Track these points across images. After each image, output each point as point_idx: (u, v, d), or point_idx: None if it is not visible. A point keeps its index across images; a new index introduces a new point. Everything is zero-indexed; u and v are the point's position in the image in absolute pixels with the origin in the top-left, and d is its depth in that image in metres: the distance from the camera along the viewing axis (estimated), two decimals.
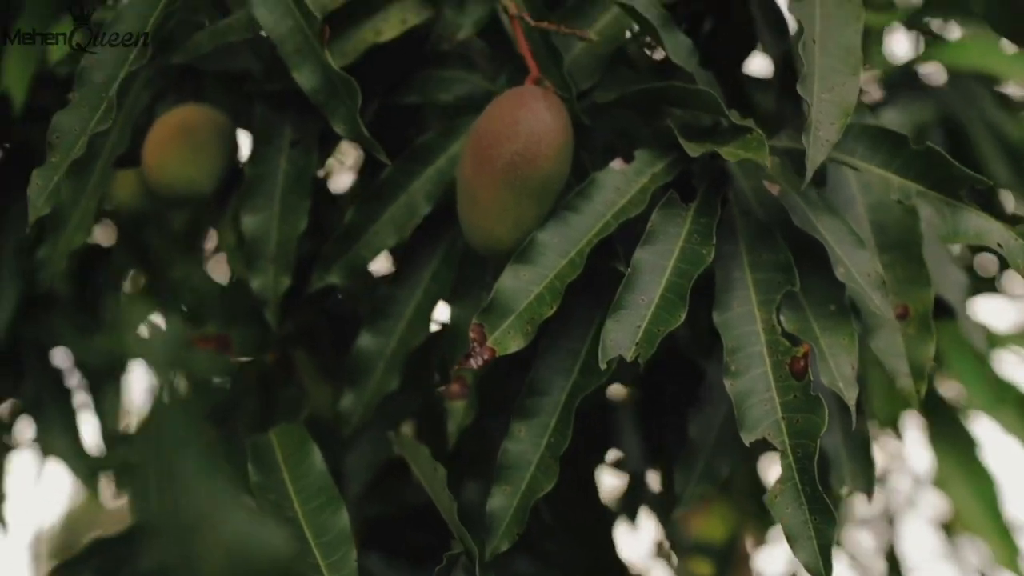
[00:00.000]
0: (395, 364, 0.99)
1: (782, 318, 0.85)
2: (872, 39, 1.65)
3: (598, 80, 0.95)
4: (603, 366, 0.79)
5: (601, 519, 1.17)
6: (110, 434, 1.51)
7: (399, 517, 1.12)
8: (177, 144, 1.01)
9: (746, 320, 0.85)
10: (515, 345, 0.82)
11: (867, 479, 0.96)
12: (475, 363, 0.83)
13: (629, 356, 0.79)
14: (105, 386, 1.51)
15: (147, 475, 0.61)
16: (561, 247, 0.85)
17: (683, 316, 0.81)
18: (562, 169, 0.86)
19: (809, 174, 0.80)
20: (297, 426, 0.95)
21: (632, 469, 1.40)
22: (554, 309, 0.82)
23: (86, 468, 1.52)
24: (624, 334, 0.80)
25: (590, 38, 0.87)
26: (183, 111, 1.04)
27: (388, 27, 0.98)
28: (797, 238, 0.87)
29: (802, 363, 0.82)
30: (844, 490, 0.99)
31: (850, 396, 0.82)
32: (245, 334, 1.19)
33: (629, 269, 0.82)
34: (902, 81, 1.59)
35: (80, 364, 1.54)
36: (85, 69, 0.87)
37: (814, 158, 0.80)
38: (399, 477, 1.13)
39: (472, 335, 0.83)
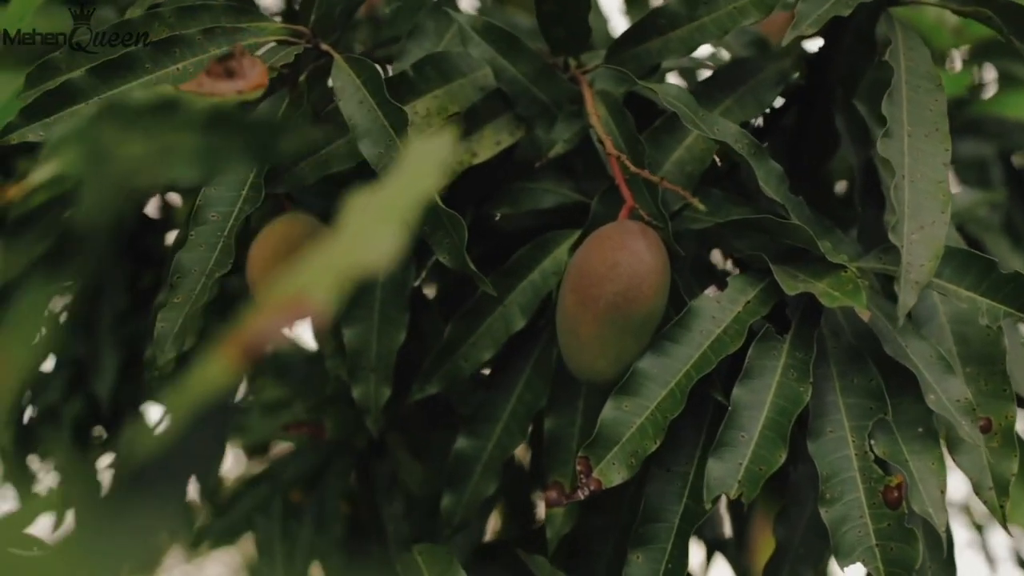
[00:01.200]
0: (492, 467, 1.03)
1: (872, 442, 0.89)
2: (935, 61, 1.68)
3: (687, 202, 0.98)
4: (708, 506, 0.83)
5: None
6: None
7: None
8: (279, 256, 1.05)
9: (839, 446, 0.89)
10: (619, 477, 0.86)
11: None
12: (582, 494, 0.87)
13: (732, 494, 0.84)
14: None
15: None
16: (662, 378, 0.88)
17: (783, 456, 0.85)
18: (661, 303, 0.90)
19: (901, 317, 0.83)
20: (442, 547, 0.96)
21: None
22: (657, 444, 0.87)
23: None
24: (727, 471, 0.85)
25: (695, 203, 0.90)
26: (282, 224, 1.07)
27: (483, 148, 1.01)
28: (887, 362, 0.91)
29: (896, 493, 0.86)
30: None
31: (940, 522, 0.86)
32: (337, 418, 1.24)
33: (730, 407, 0.86)
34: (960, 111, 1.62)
35: None
36: (200, 208, 0.91)
37: (905, 302, 0.84)
38: None
39: (579, 467, 0.87)
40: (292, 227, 1.07)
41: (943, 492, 0.88)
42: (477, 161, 1.01)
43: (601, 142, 0.96)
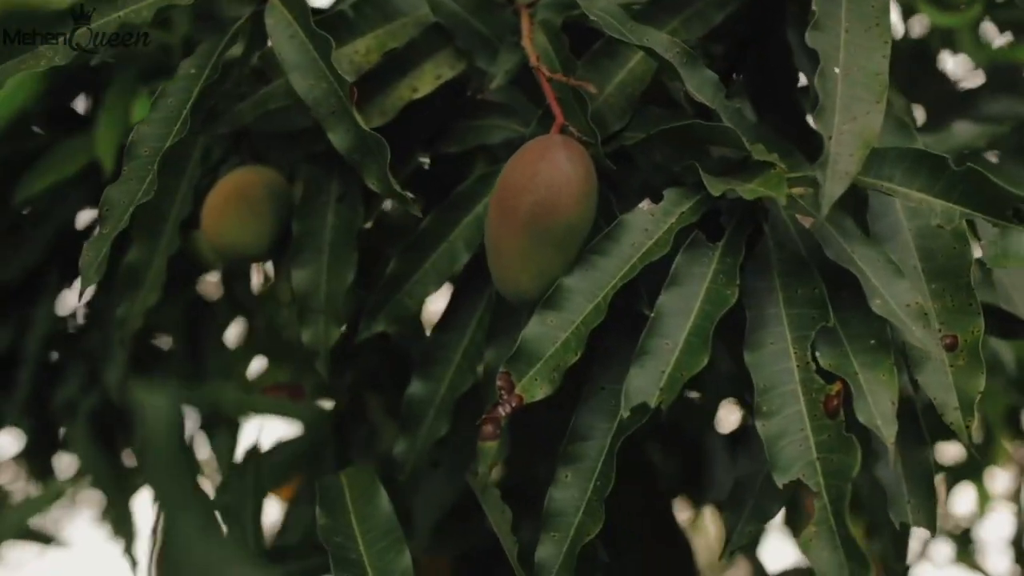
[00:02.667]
0: (444, 410, 1.00)
1: (818, 354, 0.84)
2: (966, 31, 1.61)
3: (628, 121, 0.95)
4: (625, 414, 0.79)
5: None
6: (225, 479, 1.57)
7: (465, 558, 1.14)
8: (232, 207, 1.06)
9: (780, 358, 0.84)
10: (542, 392, 0.83)
11: (929, 514, 0.92)
12: (503, 411, 0.84)
13: (653, 402, 0.79)
14: (218, 434, 1.58)
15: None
16: (589, 291, 0.85)
17: (706, 360, 0.80)
18: (585, 216, 0.87)
19: (824, 209, 0.78)
20: (366, 468, 0.97)
21: None
22: (579, 355, 0.83)
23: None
24: (648, 380, 0.80)
25: (590, 90, 0.87)
26: (238, 174, 1.08)
27: (423, 83, 1.00)
28: (835, 271, 0.85)
29: (835, 402, 0.80)
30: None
31: (888, 435, 0.79)
32: (317, 380, 1.23)
33: (652, 313, 0.82)
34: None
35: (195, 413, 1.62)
36: (133, 143, 0.92)
37: (831, 193, 0.78)
38: (465, 519, 1.15)
39: (500, 383, 0.84)
40: (246, 177, 1.08)
41: (894, 404, 0.81)
42: (418, 96, 1.00)
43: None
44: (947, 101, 1.57)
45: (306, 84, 0.93)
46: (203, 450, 1.63)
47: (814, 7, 0.85)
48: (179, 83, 0.95)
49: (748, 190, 0.81)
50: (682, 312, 0.82)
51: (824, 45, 0.84)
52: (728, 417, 1.75)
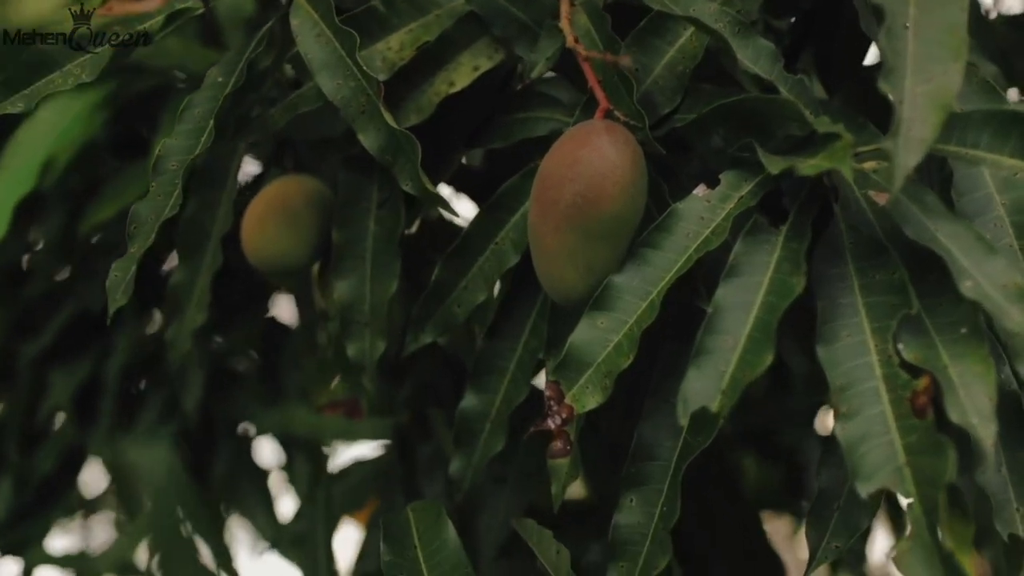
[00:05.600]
0: (500, 424, 0.94)
1: (901, 347, 0.74)
2: None
3: (680, 102, 0.87)
4: (683, 422, 0.71)
5: None
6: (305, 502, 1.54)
7: None
8: (272, 219, 1.02)
9: (858, 352, 0.74)
10: (594, 402, 0.76)
11: None
12: (553, 423, 0.77)
13: (714, 407, 0.71)
14: (298, 456, 1.55)
15: None
16: (641, 289, 0.77)
17: (771, 358, 0.71)
18: (634, 207, 0.79)
19: (898, 182, 0.68)
20: (433, 502, 0.92)
21: None
22: (631, 359, 0.75)
23: (275, 534, 1.56)
24: (708, 382, 0.72)
25: (627, 64, 0.80)
26: (277, 185, 1.04)
27: (460, 76, 0.94)
28: (917, 252, 0.76)
29: (924, 399, 0.71)
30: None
31: (986, 435, 0.69)
32: (375, 396, 1.18)
33: (711, 309, 0.74)
34: None
35: (275, 435, 1.59)
36: (160, 158, 0.89)
37: (905, 163, 0.69)
38: None
39: (548, 393, 0.77)
40: (286, 187, 1.04)
41: (991, 399, 0.71)
42: (455, 90, 0.94)
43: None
44: None
45: (334, 84, 0.88)
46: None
47: None
48: (206, 92, 0.91)
49: (810, 166, 0.72)
50: (743, 306, 0.74)
51: (891, 1, 0.75)
52: (829, 419, 1.64)
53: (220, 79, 0.92)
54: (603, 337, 0.77)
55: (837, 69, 0.99)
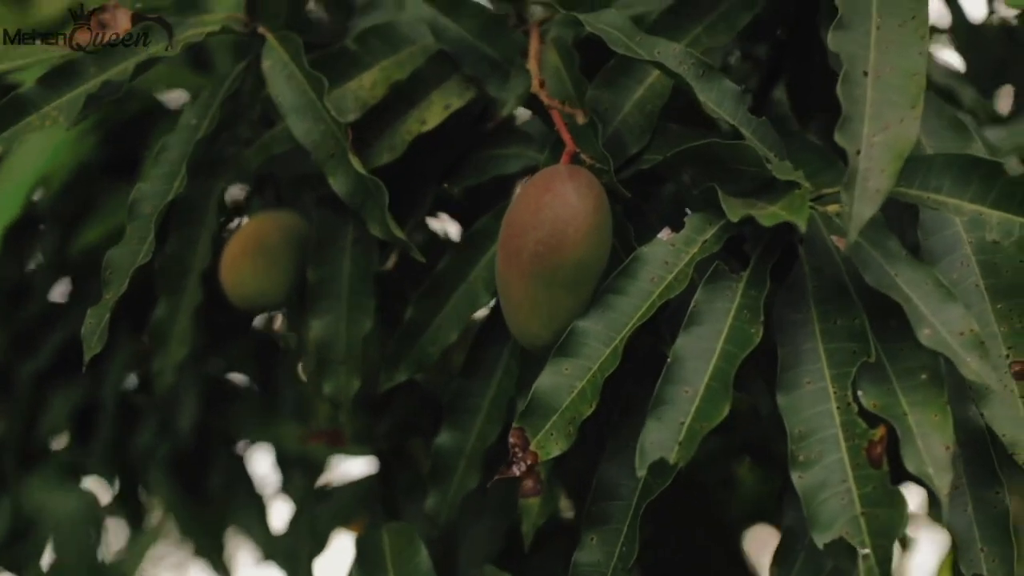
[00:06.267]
0: (475, 460, 0.95)
1: (861, 393, 0.75)
2: None
3: (648, 142, 0.88)
4: (640, 473, 0.72)
5: None
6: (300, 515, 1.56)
7: None
8: (249, 257, 1.03)
9: (818, 399, 0.75)
10: (558, 449, 0.76)
11: (1006, 564, 0.82)
12: (517, 470, 0.77)
13: (672, 458, 0.72)
14: (292, 471, 1.56)
15: None
16: (606, 335, 0.78)
17: (727, 409, 0.72)
18: (597, 253, 0.80)
19: (852, 234, 0.69)
20: (407, 525, 0.93)
21: None
22: (594, 406, 0.76)
23: (273, 548, 1.58)
24: (666, 433, 0.73)
25: (582, 119, 0.80)
26: (255, 222, 1.05)
27: (432, 114, 0.95)
28: (879, 297, 0.76)
29: (879, 449, 0.71)
30: None
31: (942, 485, 0.70)
32: (358, 426, 1.19)
33: (670, 358, 0.74)
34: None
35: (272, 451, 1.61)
36: (134, 202, 0.89)
37: (860, 214, 0.69)
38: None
39: (513, 440, 0.77)
40: (263, 224, 1.05)
41: (948, 448, 0.71)
42: (427, 129, 0.94)
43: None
44: None
45: (304, 127, 0.89)
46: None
47: (837, 2, 0.76)
48: (180, 135, 0.92)
49: (767, 216, 0.73)
50: (702, 354, 0.75)
51: (850, 45, 0.75)
52: None
53: (194, 121, 0.93)
54: (568, 384, 0.77)
55: (811, 99, 0.99)
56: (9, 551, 1.52)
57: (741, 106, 0.82)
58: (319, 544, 1.40)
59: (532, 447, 0.77)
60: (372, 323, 0.96)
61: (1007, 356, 0.78)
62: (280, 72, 0.90)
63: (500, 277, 0.82)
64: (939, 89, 1.14)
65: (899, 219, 0.85)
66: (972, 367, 0.72)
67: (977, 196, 0.76)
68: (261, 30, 0.95)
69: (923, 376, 0.75)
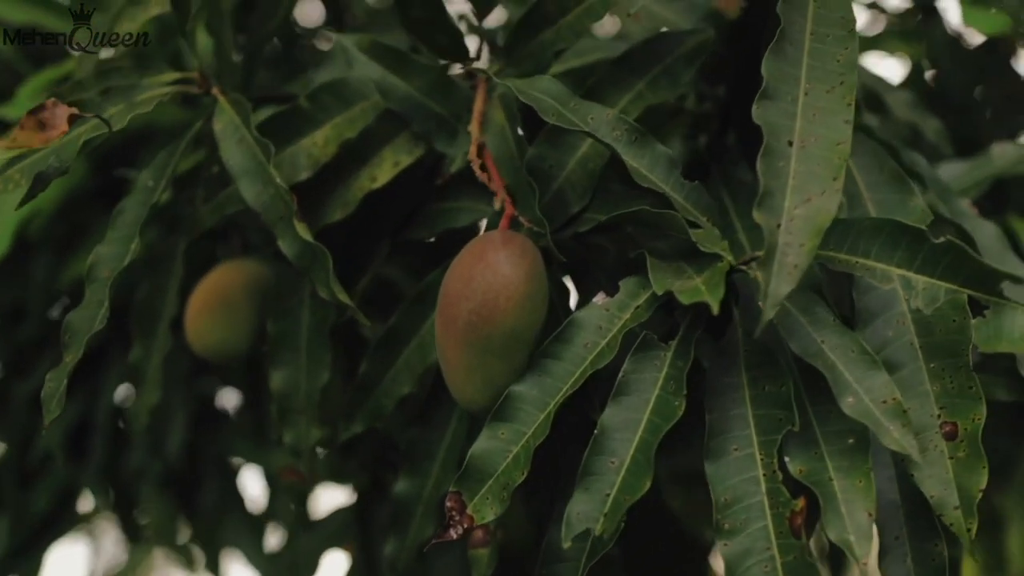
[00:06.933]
0: (432, 507, 0.97)
1: (788, 459, 0.76)
2: None
3: (591, 199, 0.89)
4: (565, 544, 0.74)
5: None
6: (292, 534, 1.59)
7: None
8: (211, 309, 1.06)
9: (745, 466, 0.76)
10: (492, 513, 0.78)
11: None
12: (455, 534, 0.79)
13: (597, 529, 0.73)
14: (280, 494, 1.60)
15: None
16: (540, 400, 0.79)
17: (650, 481, 0.74)
18: (531, 319, 0.81)
19: (769, 312, 0.69)
20: None
21: None
22: (525, 474, 0.78)
23: (266, 565, 1.62)
24: (592, 505, 0.74)
25: (493, 188, 0.82)
26: (218, 273, 1.08)
27: (382, 172, 0.96)
28: (808, 364, 0.77)
29: (799, 520, 0.73)
30: None
31: (861, 552, 0.71)
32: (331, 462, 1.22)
33: (597, 430, 0.76)
34: None
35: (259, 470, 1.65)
36: (92, 265, 0.92)
37: (777, 291, 0.69)
38: None
39: (449, 503, 0.79)
40: (226, 275, 1.07)
41: (870, 516, 0.73)
42: (377, 185, 0.96)
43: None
44: (1018, 102, 1.43)
45: (254, 190, 0.91)
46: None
47: (764, 71, 0.77)
48: (136, 197, 0.94)
49: (687, 291, 0.74)
50: (629, 425, 0.76)
51: (774, 115, 0.75)
52: None
53: (150, 183, 0.95)
54: (503, 448, 0.79)
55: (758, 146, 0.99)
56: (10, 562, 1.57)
57: (674, 171, 0.83)
58: (310, 566, 1.44)
59: (469, 511, 0.79)
60: (329, 374, 0.99)
61: (938, 416, 0.79)
62: (231, 136, 0.92)
63: (438, 342, 0.84)
64: (900, 123, 1.15)
65: (841, 276, 0.86)
66: (894, 436, 0.73)
67: (904, 261, 0.77)
68: (214, 91, 0.97)
69: (850, 440, 0.76)
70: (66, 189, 1.57)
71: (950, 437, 0.78)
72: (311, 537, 1.40)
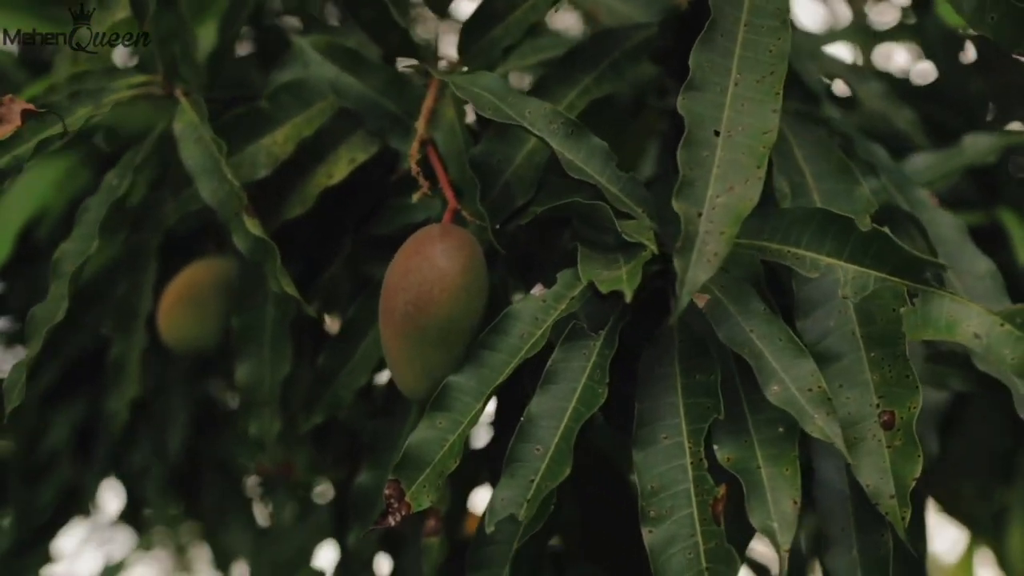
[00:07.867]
0: None
1: (716, 446, 0.76)
2: None
3: (536, 192, 0.90)
4: (489, 530, 0.74)
5: None
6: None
7: None
8: (182, 305, 1.08)
9: (674, 454, 0.77)
10: (428, 501, 0.79)
11: None
12: (393, 520, 0.81)
13: (521, 515, 0.74)
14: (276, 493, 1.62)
15: None
16: (476, 390, 0.80)
17: (569, 470, 0.74)
18: (468, 310, 0.82)
19: (684, 300, 0.69)
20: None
21: None
22: (458, 462, 0.79)
23: (268, 567, 1.64)
24: (516, 491, 0.75)
25: (426, 192, 0.83)
26: (191, 270, 1.10)
27: (338, 169, 0.98)
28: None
29: (719, 507, 0.73)
30: None
31: (783, 541, 0.71)
32: (310, 457, 1.24)
33: (524, 417, 0.77)
34: None
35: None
36: (57, 261, 0.95)
37: (694, 279, 0.69)
38: None
39: (388, 491, 0.80)
40: (197, 272, 1.10)
41: (795, 504, 0.73)
42: (334, 182, 0.98)
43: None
44: (1018, 92, 1.41)
45: (210, 188, 0.93)
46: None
47: (691, 62, 0.77)
48: (100, 196, 0.97)
49: (607, 281, 0.74)
50: (555, 414, 0.77)
51: (700, 106, 0.75)
52: None
53: (115, 182, 0.98)
54: (440, 437, 0.80)
55: None
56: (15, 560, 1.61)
57: (609, 163, 0.83)
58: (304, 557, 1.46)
59: (407, 498, 0.80)
60: (290, 367, 1.01)
61: (877, 405, 0.79)
62: (190, 135, 0.94)
63: (381, 334, 0.85)
64: (869, 114, 1.14)
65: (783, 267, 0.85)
66: (818, 424, 0.73)
67: (833, 250, 0.77)
68: (177, 93, 0.99)
69: (780, 429, 0.76)
70: (74, 192, 1.62)
71: (888, 426, 0.78)
72: (304, 527, 1.42)
